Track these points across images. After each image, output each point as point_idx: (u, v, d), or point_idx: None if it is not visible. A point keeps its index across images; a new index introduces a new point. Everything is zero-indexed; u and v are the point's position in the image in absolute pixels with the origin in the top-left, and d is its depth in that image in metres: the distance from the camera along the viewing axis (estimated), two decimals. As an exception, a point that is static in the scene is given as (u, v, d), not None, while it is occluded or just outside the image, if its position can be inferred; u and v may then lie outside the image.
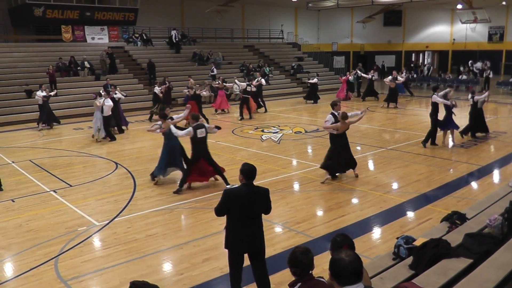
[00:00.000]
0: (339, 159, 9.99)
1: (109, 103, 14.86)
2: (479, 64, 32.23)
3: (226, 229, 5.31)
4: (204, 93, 19.07)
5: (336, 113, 10.05)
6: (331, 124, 9.92)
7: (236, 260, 5.33)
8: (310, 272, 3.47)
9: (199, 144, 9.48)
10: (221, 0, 28.61)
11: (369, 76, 25.12)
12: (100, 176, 10.91)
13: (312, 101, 24.25)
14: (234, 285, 5.41)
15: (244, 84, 19.98)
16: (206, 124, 10.02)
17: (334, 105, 10.30)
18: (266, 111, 21.09)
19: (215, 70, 26.57)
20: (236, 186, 5.30)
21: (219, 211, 5.21)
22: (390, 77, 22.88)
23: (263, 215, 5.30)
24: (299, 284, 3.42)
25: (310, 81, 24.54)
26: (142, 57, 26.60)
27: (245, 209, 5.10)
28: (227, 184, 9.18)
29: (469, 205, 7.80)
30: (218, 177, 9.99)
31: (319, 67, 32.80)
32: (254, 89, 20.16)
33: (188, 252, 6.83)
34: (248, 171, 5.11)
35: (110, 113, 14.99)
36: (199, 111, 17.29)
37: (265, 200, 5.22)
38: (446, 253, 4.92)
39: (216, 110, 21.15)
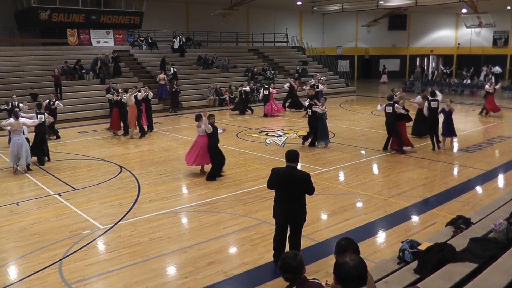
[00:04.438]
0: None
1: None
2: (497, 68, 31.89)
3: (274, 202, 6.26)
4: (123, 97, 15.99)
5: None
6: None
7: (278, 228, 6.26)
8: (303, 275, 3.47)
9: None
10: (226, 4, 28.63)
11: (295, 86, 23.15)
12: (104, 179, 10.94)
13: (238, 112, 21.72)
14: (275, 249, 6.29)
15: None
16: None
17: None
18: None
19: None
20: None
21: (267, 185, 6.26)
22: (309, 86, 22.18)
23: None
24: None
25: (245, 89, 21.95)
26: (147, 61, 26.70)
27: (284, 187, 6.02)
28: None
29: (474, 209, 7.78)
30: None
31: (323, 71, 32.77)
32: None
33: (192, 255, 6.82)
34: (288, 155, 5.98)
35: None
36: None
37: (303, 182, 5.97)
38: (451, 258, 4.91)
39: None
